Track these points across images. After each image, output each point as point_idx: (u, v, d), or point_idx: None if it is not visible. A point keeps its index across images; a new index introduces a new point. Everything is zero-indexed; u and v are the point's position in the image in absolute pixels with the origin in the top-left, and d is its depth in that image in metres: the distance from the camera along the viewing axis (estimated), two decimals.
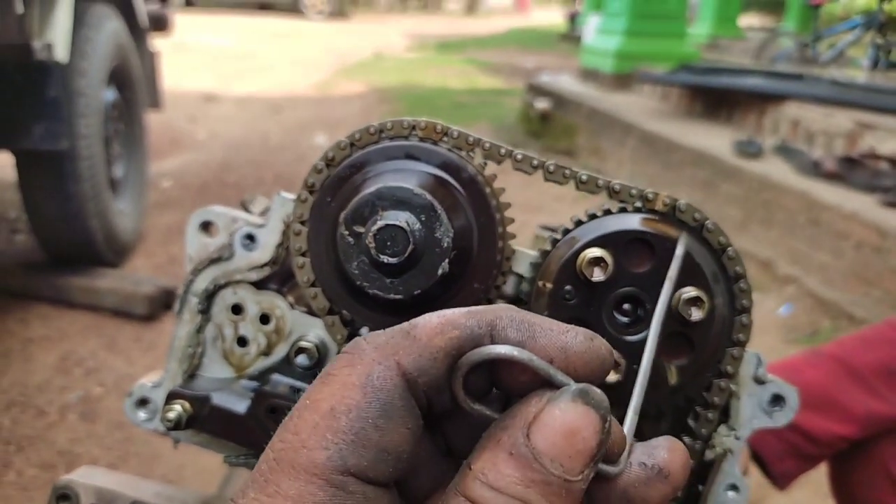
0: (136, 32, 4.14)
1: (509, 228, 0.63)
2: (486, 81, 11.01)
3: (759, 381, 0.65)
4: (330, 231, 0.58)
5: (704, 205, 4.67)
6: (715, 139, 5.07)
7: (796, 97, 5.11)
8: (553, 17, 25.13)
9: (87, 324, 3.21)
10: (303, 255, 0.62)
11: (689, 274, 0.60)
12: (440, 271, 0.54)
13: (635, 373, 0.60)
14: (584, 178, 0.63)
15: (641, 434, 0.68)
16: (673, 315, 0.59)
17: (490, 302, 0.64)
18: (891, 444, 1.32)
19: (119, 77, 3.81)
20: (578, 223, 0.62)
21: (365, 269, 0.55)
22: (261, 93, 9.23)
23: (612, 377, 0.60)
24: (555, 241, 0.62)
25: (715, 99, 5.90)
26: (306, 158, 6.11)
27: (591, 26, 8.47)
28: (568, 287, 0.60)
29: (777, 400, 0.66)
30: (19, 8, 2.62)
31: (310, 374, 0.66)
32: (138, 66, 4.15)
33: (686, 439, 0.64)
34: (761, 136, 5.07)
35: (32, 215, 3.34)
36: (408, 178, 0.56)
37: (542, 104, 7.35)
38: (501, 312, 0.36)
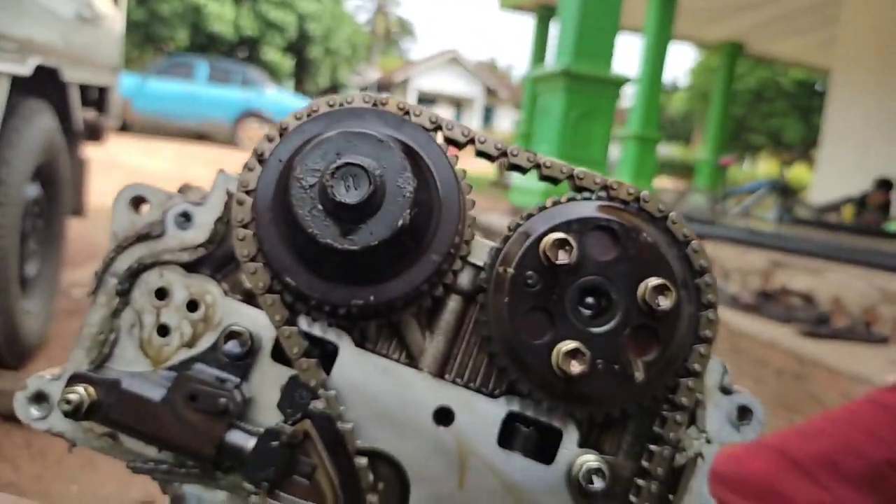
0: (69, 135, 4.08)
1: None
2: None
3: (726, 391, 0.62)
4: (280, 187, 0.54)
5: None
6: None
7: (711, 237, 5.41)
8: (483, 165, 26.37)
9: None
10: (245, 226, 0.57)
11: (655, 265, 0.57)
12: (400, 222, 0.50)
13: (598, 365, 0.56)
14: (547, 163, 0.62)
15: (602, 448, 0.62)
16: (640, 307, 0.56)
17: (447, 288, 0.59)
18: None
19: (45, 175, 3.70)
20: (542, 208, 0.60)
21: (317, 216, 0.50)
22: None
23: (577, 368, 0.55)
24: (517, 226, 0.59)
25: None
26: None
27: None
28: (530, 272, 0.57)
29: (744, 413, 0.62)
30: None
31: (239, 365, 0.58)
32: (66, 169, 4.05)
33: (654, 447, 0.59)
34: None
35: None
36: (372, 128, 0.53)
37: None
38: None
